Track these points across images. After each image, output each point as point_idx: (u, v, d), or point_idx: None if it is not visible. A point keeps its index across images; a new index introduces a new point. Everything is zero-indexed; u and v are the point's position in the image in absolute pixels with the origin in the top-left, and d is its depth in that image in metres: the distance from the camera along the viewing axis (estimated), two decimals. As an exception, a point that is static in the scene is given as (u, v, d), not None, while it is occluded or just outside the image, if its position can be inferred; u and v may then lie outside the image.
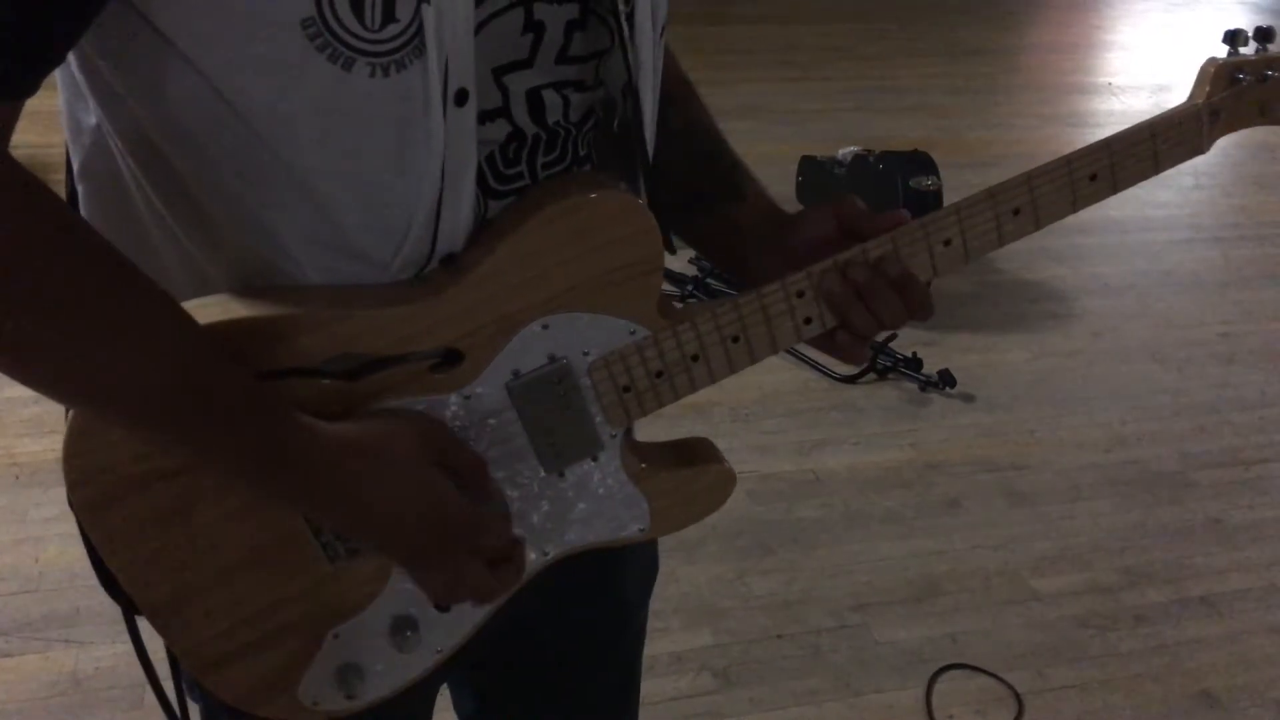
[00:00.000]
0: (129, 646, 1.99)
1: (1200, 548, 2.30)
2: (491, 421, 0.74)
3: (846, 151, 3.36)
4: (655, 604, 1.06)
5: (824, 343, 0.82)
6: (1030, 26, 6.83)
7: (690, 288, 3.08)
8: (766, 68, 5.25)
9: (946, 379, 2.79)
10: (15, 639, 1.93)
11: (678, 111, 0.89)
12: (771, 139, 4.08)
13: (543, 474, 0.78)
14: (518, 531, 0.78)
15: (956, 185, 3.20)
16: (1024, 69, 5.94)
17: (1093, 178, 0.82)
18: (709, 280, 3.10)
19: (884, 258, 0.79)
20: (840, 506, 2.38)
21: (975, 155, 4.23)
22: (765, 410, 2.70)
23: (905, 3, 6.66)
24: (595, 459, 0.79)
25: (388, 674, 0.78)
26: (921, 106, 4.89)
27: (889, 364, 2.85)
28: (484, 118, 0.68)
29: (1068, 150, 0.81)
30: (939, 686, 1.93)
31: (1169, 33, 6.55)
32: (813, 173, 3.54)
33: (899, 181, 3.17)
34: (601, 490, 0.80)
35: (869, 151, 3.34)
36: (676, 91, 0.90)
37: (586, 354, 0.75)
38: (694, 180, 0.89)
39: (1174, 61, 5.82)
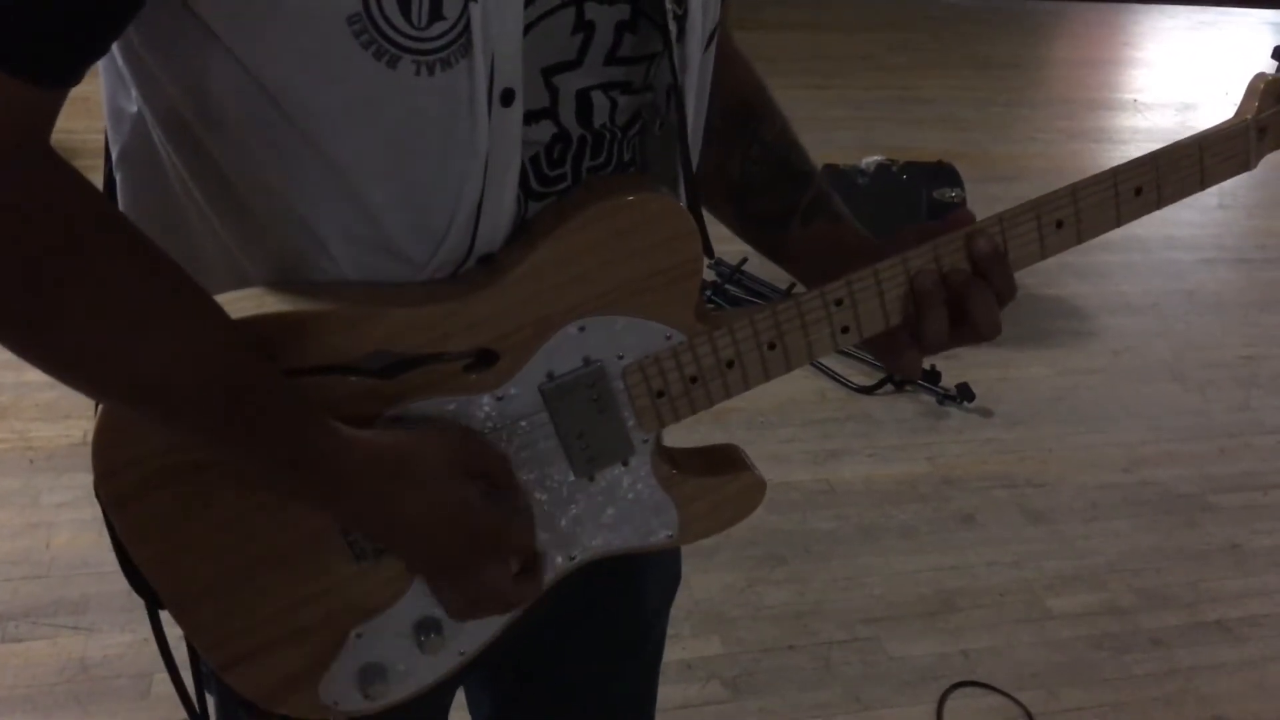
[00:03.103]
0: (138, 635, 1.98)
1: (1218, 572, 2.28)
2: (524, 423, 0.73)
3: (870, 161, 3.34)
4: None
5: (880, 348, 0.82)
6: (1057, 41, 6.81)
7: (709, 294, 3.07)
8: (791, 75, 5.23)
9: (965, 393, 2.77)
10: (24, 624, 1.93)
11: (768, 122, 0.89)
12: (794, 146, 4.06)
13: (573, 478, 0.77)
14: (540, 543, 0.77)
15: (980, 198, 3.18)
16: (1049, 83, 5.92)
17: (1138, 191, 0.81)
18: (728, 286, 3.09)
19: (922, 271, 0.78)
20: (855, 518, 2.36)
21: (999, 169, 4.21)
22: (782, 419, 2.69)
23: (932, 14, 6.65)
24: (626, 464, 0.78)
25: (410, 675, 0.77)
26: (946, 118, 4.87)
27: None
28: (530, 118, 0.67)
29: (1092, 166, 0.80)
30: (950, 703, 1.91)
31: (1195, 51, 6.52)
32: (835, 181, 3.52)
33: (922, 192, 3.15)
34: (631, 495, 0.79)
35: (892, 161, 3.32)
36: (762, 104, 0.90)
37: (621, 357, 0.74)
38: (789, 193, 0.89)
39: (1199, 80, 5.79)
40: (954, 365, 2.85)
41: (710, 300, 3.04)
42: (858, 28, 6.27)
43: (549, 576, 0.79)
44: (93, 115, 0.69)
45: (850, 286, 0.78)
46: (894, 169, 3.29)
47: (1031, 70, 6.05)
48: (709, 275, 3.12)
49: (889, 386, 2.83)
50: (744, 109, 0.89)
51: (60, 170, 0.55)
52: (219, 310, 0.62)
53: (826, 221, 0.89)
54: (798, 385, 2.80)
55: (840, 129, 4.55)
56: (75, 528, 2.13)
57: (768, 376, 0.79)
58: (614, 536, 0.80)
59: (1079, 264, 3.48)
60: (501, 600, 0.75)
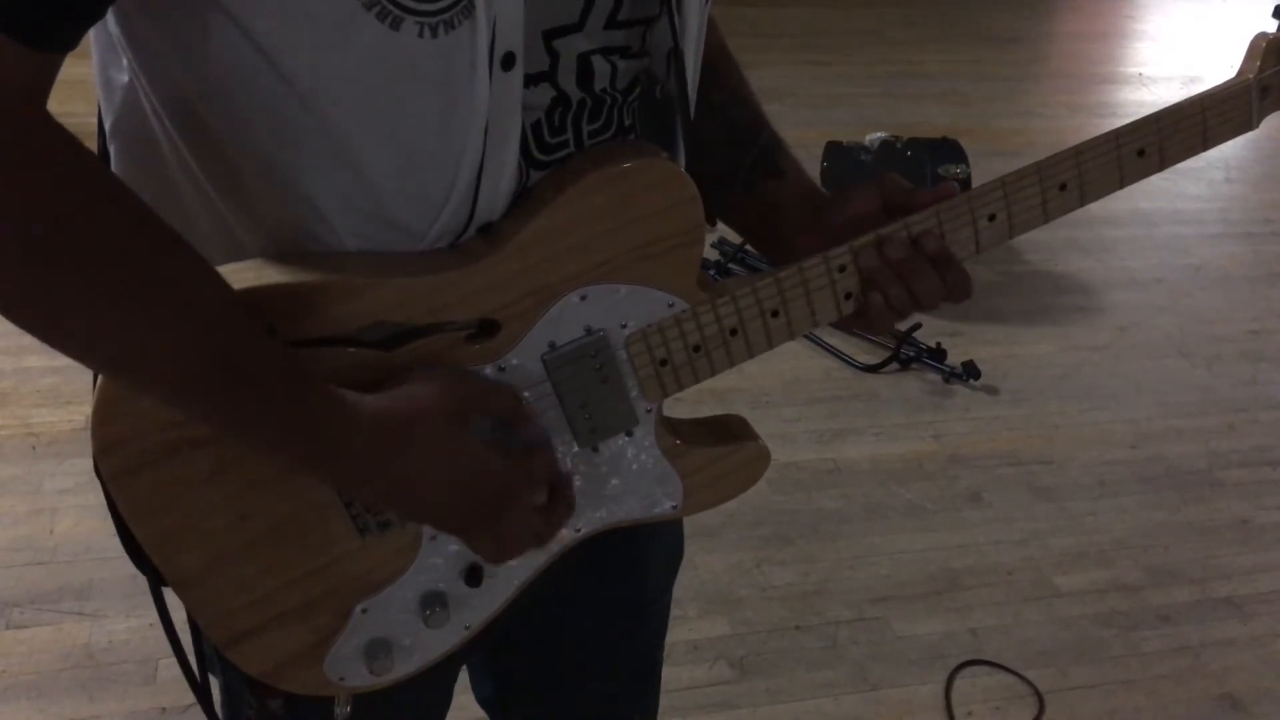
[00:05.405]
0: (143, 620, 1.97)
1: (1227, 548, 2.27)
2: (527, 394, 0.72)
3: (874, 137, 3.32)
4: (673, 591, 1.04)
5: (852, 316, 0.80)
6: (1061, 14, 6.77)
7: (713, 272, 3.05)
8: (793, 51, 5.21)
9: (971, 370, 2.76)
10: (29, 611, 1.92)
11: (719, 83, 0.87)
12: (797, 124, 4.02)
13: (576, 449, 0.76)
14: (560, 465, 0.76)
15: (984, 174, 3.15)
16: (1054, 57, 5.89)
17: (1140, 153, 0.80)
18: (731, 266, 3.08)
19: (926, 233, 0.77)
20: (860, 497, 2.36)
21: (1003, 144, 4.19)
22: (786, 398, 2.68)
23: (934, -12, 6.61)
24: (630, 434, 0.77)
25: (415, 650, 0.77)
26: (949, 93, 4.84)
27: (912, 354, 2.82)
28: (528, 81, 0.66)
29: (1097, 141, 0.79)
30: (958, 682, 1.91)
31: (1200, 24, 6.48)
32: (839, 159, 3.51)
33: (928, 169, 3.13)
34: (635, 466, 0.78)
35: (896, 138, 3.31)
36: (718, 62, 0.87)
37: (624, 326, 0.73)
38: (733, 155, 0.87)
39: (1205, 53, 5.76)
40: (959, 343, 2.84)
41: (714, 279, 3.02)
42: (858, 3, 6.23)
43: (556, 546, 0.78)
44: (80, 99, 0.68)
45: (854, 253, 0.77)
46: (898, 145, 3.28)
47: (1035, 44, 6.01)
48: (712, 255, 3.11)
49: (894, 365, 2.82)
50: (704, 72, 0.87)
51: (58, 137, 0.54)
52: (222, 282, 0.61)
53: (768, 179, 0.86)
54: (803, 364, 2.79)
55: (842, 105, 4.53)
56: (79, 513, 2.12)
57: (771, 344, 0.78)
58: (618, 508, 0.79)
59: (1084, 239, 3.46)
60: (531, 540, 0.74)
